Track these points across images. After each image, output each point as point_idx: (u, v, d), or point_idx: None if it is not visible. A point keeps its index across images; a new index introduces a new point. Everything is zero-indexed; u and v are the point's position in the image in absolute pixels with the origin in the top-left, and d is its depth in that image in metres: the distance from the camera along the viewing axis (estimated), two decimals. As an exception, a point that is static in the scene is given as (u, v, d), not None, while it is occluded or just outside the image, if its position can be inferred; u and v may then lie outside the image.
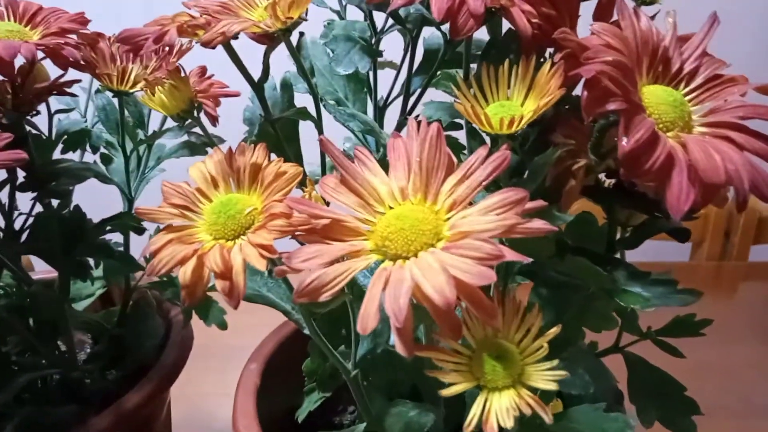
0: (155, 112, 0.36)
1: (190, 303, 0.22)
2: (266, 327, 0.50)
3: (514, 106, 0.24)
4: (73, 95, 0.39)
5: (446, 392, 0.21)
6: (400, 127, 0.38)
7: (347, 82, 0.40)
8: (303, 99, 0.39)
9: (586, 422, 0.26)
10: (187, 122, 0.46)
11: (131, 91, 0.39)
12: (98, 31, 0.39)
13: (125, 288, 0.49)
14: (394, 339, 0.19)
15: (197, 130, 0.33)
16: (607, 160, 0.25)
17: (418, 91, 0.39)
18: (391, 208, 0.23)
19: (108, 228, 0.43)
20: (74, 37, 0.36)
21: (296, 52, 0.31)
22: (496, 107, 0.24)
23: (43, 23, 0.36)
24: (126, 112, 0.44)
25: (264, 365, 0.46)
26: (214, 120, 0.41)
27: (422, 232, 0.21)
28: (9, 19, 0.36)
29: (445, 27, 0.38)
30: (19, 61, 0.33)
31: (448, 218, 0.22)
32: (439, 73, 0.37)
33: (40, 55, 0.34)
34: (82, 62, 0.37)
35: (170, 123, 0.37)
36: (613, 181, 0.28)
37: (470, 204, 0.22)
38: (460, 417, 0.31)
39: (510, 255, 0.19)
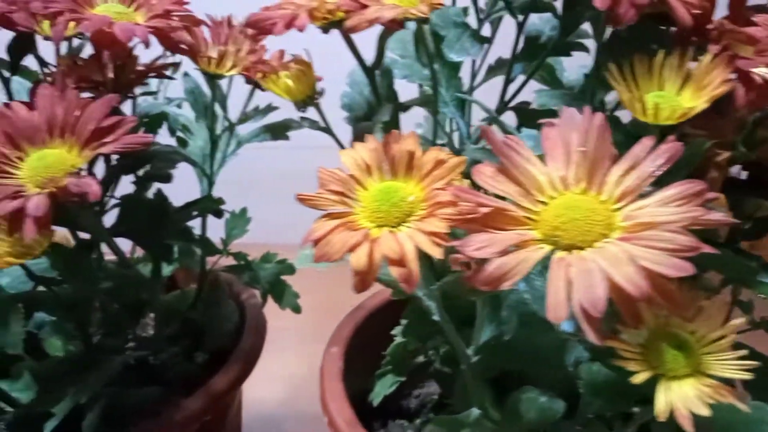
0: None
1: (361, 288, 0.22)
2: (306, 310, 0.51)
3: (671, 97, 0.24)
4: (171, 78, 0.39)
5: (635, 379, 0.21)
6: (499, 113, 0.38)
7: (441, 68, 0.40)
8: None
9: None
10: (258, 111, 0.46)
11: (227, 74, 0.39)
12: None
13: (200, 272, 0.49)
14: (583, 328, 0.20)
15: (308, 115, 0.33)
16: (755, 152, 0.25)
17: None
18: (552, 197, 0.23)
19: (194, 212, 0.43)
20: (176, 19, 0.36)
21: (424, 38, 0.31)
22: (653, 98, 0.24)
23: (145, 5, 0.36)
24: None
25: (345, 348, 0.47)
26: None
27: (595, 222, 0.21)
28: (114, 1, 0.36)
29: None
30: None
31: (617, 209, 0.22)
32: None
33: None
34: (183, 45, 0.36)
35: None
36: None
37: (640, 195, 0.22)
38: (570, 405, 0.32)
39: (705, 247, 0.19)
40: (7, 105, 0.32)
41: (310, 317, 0.51)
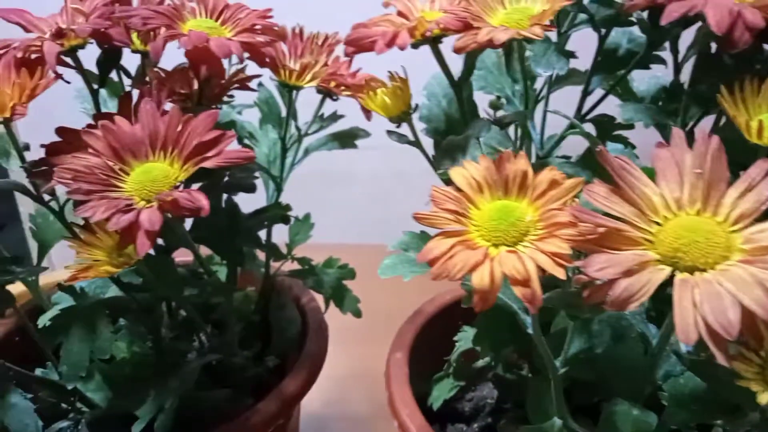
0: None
1: (482, 307, 0.23)
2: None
3: (781, 118, 0.25)
4: (253, 90, 0.40)
5: (761, 400, 0.22)
6: (572, 126, 0.39)
7: (514, 80, 0.40)
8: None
9: None
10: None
11: (306, 86, 0.40)
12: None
13: (265, 276, 0.50)
14: (711, 349, 0.20)
15: (399, 130, 0.33)
16: None
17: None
18: (666, 218, 0.24)
19: (264, 220, 0.44)
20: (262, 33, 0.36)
21: (515, 54, 0.31)
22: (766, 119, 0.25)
23: (231, 19, 0.37)
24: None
25: (408, 354, 0.47)
26: (368, 114, 0.42)
27: (716, 245, 0.22)
28: (202, 15, 0.37)
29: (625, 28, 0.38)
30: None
31: (734, 231, 0.23)
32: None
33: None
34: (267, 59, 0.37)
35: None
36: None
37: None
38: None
39: (837, 272, 0.20)
40: (110, 119, 0.33)
41: (350, 319, 0.52)
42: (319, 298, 0.52)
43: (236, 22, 0.37)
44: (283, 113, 0.44)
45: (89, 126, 0.35)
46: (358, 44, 0.30)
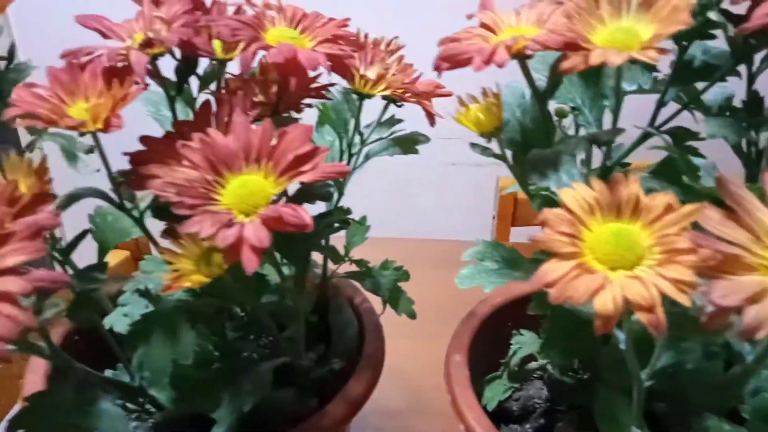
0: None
1: (603, 331, 0.23)
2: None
3: None
4: (329, 99, 0.40)
5: None
6: (644, 138, 0.39)
7: (585, 89, 0.40)
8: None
9: None
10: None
11: (378, 94, 0.40)
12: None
13: (323, 278, 0.51)
14: None
15: (477, 142, 0.34)
16: None
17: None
18: (781, 243, 0.24)
19: (331, 224, 0.44)
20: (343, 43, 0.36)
21: (620, 75, 0.32)
22: None
23: (310, 29, 0.37)
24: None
25: (467, 355, 0.48)
26: (433, 120, 0.42)
27: (836, 272, 0.22)
28: (281, 24, 0.37)
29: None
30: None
31: None
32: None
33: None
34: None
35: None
36: None
37: None
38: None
39: None
40: (192, 128, 0.33)
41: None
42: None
43: (315, 32, 0.37)
44: (348, 119, 0.45)
45: (173, 135, 0.35)
46: (453, 60, 0.30)
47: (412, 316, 0.52)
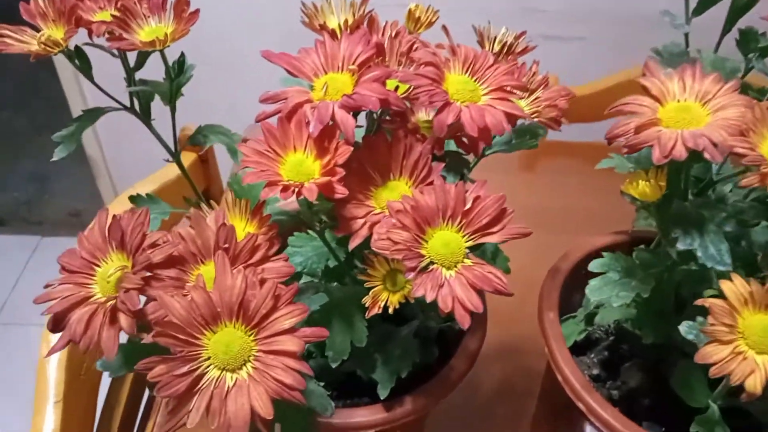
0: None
1: (747, 398, 0.32)
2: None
3: None
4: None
5: None
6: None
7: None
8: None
9: None
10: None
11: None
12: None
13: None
14: None
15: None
16: None
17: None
18: None
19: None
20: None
21: None
22: None
23: (480, 72, 0.40)
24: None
25: (558, 312, 0.57)
26: (558, 126, 0.47)
27: None
28: (456, 68, 0.40)
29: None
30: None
31: None
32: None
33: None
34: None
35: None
36: None
37: None
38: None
39: None
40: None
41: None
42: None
43: (486, 78, 0.40)
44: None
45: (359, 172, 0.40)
46: (631, 146, 0.35)
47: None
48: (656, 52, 0.55)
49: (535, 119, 0.44)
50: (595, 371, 0.61)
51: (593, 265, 0.45)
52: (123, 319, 0.34)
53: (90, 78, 0.44)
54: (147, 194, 0.49)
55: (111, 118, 0.47)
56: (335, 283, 0.50)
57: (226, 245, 0.36)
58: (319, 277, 0.51)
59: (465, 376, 0.53)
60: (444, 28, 0.41)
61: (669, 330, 0.49)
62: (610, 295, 0.44)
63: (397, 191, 0.40)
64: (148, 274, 0.35)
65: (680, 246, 0.37)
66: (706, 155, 0.34)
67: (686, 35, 0.48)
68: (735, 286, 0.33)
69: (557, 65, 0.79)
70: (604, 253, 0.46)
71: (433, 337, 0.56)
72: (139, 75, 0.47)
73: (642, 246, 0.52)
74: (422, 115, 0.44)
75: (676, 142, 0.34)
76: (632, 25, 1.27)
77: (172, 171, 0.78)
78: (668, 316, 0.49)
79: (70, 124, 0.45)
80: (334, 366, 0.45)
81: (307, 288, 0.45)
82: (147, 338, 0.33)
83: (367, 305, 0.41)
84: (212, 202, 0.41)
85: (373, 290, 0.41)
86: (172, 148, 0.49)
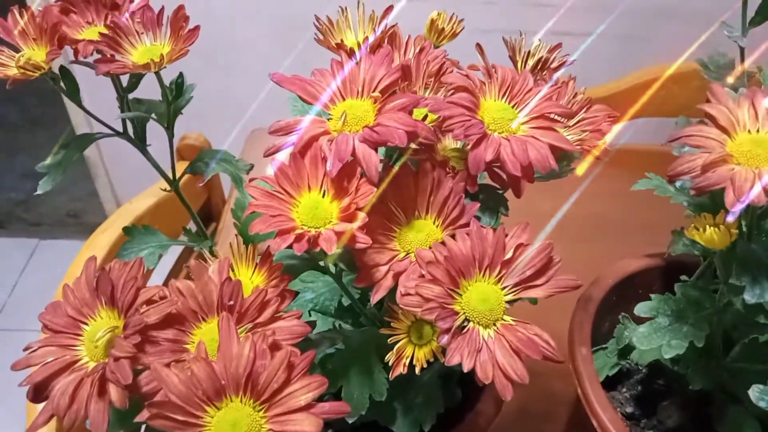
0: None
1: None
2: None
3: None
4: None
5: None
6: None
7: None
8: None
9: None
10: None
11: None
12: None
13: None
14: None
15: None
16: None
17: None
18: None
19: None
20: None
21: None
22: None
23: (518, 97, 0.36)
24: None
25: (590, 346, 0.53)
26: (605, 156, 0.42)
27: None
28: (492, 93, 0.35)
29: None
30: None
31: None
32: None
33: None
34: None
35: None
36: None
37: None
38: None
39: None
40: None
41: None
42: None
43: (526, 105, 0.35)
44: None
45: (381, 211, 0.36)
46: (699, 188, 0.30)
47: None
48: (702, 64, 0.50)
49: (579, 148, 0.39)
50: (629, 409, 0.56)
51: (640, 309, 0.41)
52: (113, 391, 0.30)
53: (78, 103, 0.39)
54: (143, 226, 0.45)
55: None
56: (349, 323, 0.45)
57: (231, 302, 0.31)
58: (331, 314, 0.46)
59: (493, 421, 0.48)
60: (478, 46, 0.36)
61: (719, 374, 0.45)
62: (660, 344, 0.39)
63: (424, 232, 0.35)
64: (140, 338, 0.30)
65: (748, 297, 0.33)
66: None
67: (742, 49, 0.43)
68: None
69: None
70: (652, 296, 0.41)
71: (456, 378, 0.51)
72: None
73: (684, 278, 0.48)
74: (449, 143, 0.40)
75: (753, 183, 0.29)
76: (641, 19, 1.23)
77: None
78: (717, 357, 0.44)
79: (57, 152, 0.40)
80: (350, 422, 0.41)
81: (321, 340, 0.40)
82: (141, 416, 0.28)
83: (390, 363, 0.36)
84: (215, 250, 0.36)
85: (397, 346, 0.36)
86: (170, 175, 0.44)
